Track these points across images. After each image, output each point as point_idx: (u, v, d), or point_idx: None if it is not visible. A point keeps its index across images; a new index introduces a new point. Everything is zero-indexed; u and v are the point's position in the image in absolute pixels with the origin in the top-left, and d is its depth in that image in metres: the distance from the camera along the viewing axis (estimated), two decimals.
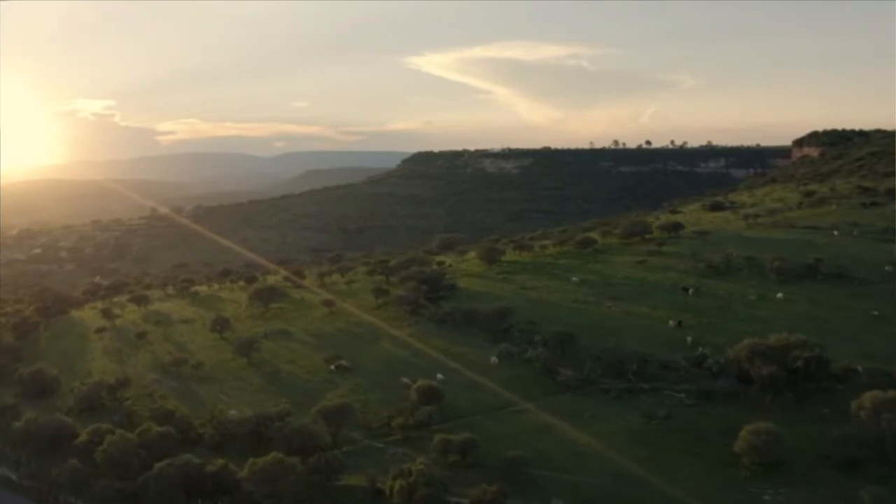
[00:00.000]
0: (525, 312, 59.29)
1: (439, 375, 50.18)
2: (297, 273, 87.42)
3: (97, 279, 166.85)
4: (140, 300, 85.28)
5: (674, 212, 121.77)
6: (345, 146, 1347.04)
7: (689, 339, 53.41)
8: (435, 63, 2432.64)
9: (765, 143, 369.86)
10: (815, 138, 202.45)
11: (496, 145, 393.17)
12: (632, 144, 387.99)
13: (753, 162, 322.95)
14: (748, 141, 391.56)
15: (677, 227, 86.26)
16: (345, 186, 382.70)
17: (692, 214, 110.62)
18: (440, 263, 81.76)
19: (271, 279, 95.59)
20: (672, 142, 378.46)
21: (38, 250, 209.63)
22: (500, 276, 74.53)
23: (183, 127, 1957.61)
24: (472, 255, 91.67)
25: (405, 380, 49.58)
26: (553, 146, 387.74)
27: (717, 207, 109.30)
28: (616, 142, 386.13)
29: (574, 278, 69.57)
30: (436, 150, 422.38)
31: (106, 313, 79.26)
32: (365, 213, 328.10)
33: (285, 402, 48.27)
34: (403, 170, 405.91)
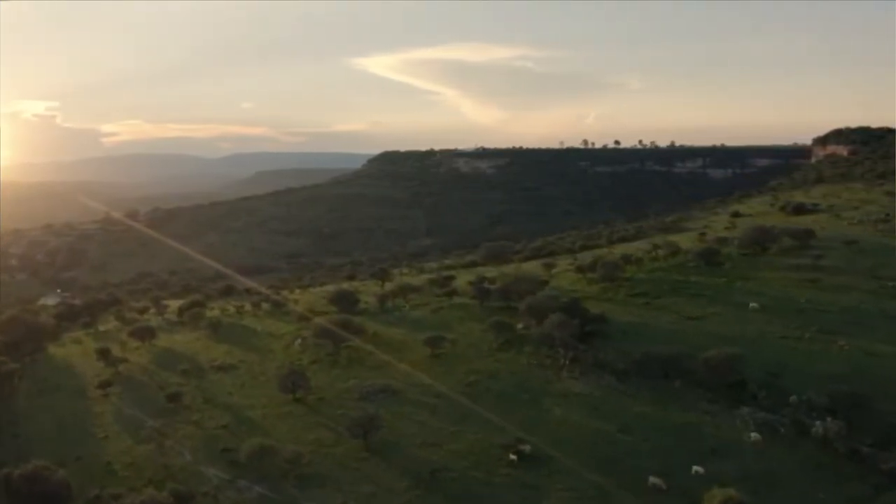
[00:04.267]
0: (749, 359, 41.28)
1: (697, 469, 31.77)
2: (346, 298, 66.48)
3: (59, 292, 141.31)
4: (143, 334, 63.25)
5: (736, 214, 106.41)
6: (291, 147, 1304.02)
7: None
8: (381, 64, 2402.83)
9: (728, 143, 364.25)
10: (841, 136, 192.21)
11: (444, 145, 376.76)
12: (582, 145, 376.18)
13: (732, 162, 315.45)
14: (700, 141, 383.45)
15: (809, 234, 70.11)
16: (311, 187, 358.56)
17: (772, 217, 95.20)
18: (543, 282, 62.74)
19: (305, 299, 74.68)
20: (640, 141, 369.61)
21: None
22: (638, 301, 56.25)
23: (126, 128, 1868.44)
24: (561, 265, 73.43)
25: (655, 480, 30.98)
26: (524, 146, 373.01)
27: (800, 210, 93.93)
28: (585, 141, 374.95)
29: (753, 304, 51.99)
30: (381, 150, 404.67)
31: (104, 355, 57.14)
32: (337, 215, 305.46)
33: None
34: (371, 170, 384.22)
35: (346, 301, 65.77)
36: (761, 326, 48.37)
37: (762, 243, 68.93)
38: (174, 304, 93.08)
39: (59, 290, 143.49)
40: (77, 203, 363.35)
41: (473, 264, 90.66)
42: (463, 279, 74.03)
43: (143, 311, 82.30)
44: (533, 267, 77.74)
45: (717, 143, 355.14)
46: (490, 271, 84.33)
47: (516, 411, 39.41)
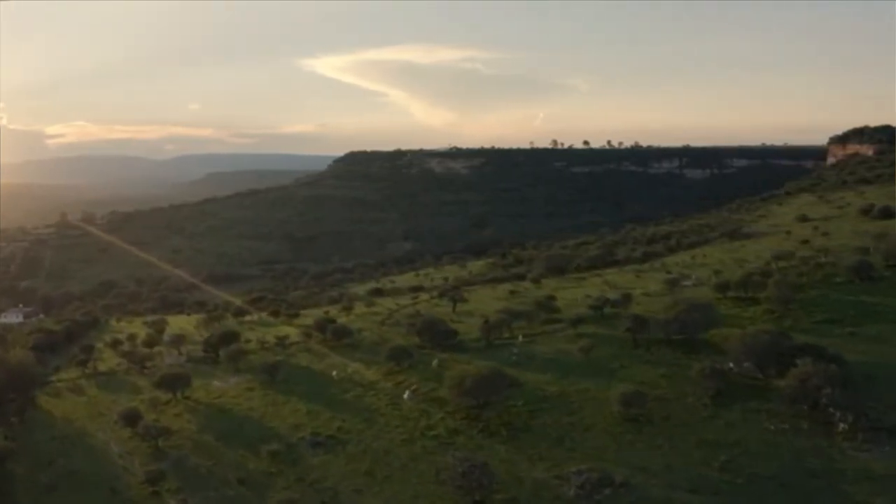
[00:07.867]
0: None
1: None
2: (437, 328, 50.75)
3: (21, 307, 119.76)
4: (175, 384, 46.16)
5: (804, 219, 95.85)
6: (238, 148, 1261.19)
7: None
8: (329, 65, 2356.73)
9: (693, 143, 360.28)
10: (863, 136, 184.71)
11: (395, 146, 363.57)
12: (551, 145, 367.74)
13: (710, 162, 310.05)
14: (659, 143, 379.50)
15: None
16: (277, 189, 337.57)
17: (853, 221, 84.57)
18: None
19: (366, 326, 58.40)
20: (609, 142, 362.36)
21: None
22: (836, 331, 43.02)
23: (72, 129, 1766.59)
24: (676, 275, 59.74)
25: None
26: (498, 146, 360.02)
27: (888, 213, 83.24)
28: (555, 142, 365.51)
29: None
30: (335, 153, 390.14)
31: (131, 420, 40.14)
32: (308, 218, 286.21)
33: None
34: (338, 170, 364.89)
35: (436, 332, 50.39)
36: None
37: None
38: (178, 324, 76.24)
39: (20, 305, 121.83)
40: (22, 207, 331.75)
41: (539, 279, 76.08)
42: (561, 299, 59.81)
43: (149, 343, 64.35)
44: (627, 280, 64.06)
45: (677, 144, 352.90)
46: (562, 287, 70.73)
47: None
